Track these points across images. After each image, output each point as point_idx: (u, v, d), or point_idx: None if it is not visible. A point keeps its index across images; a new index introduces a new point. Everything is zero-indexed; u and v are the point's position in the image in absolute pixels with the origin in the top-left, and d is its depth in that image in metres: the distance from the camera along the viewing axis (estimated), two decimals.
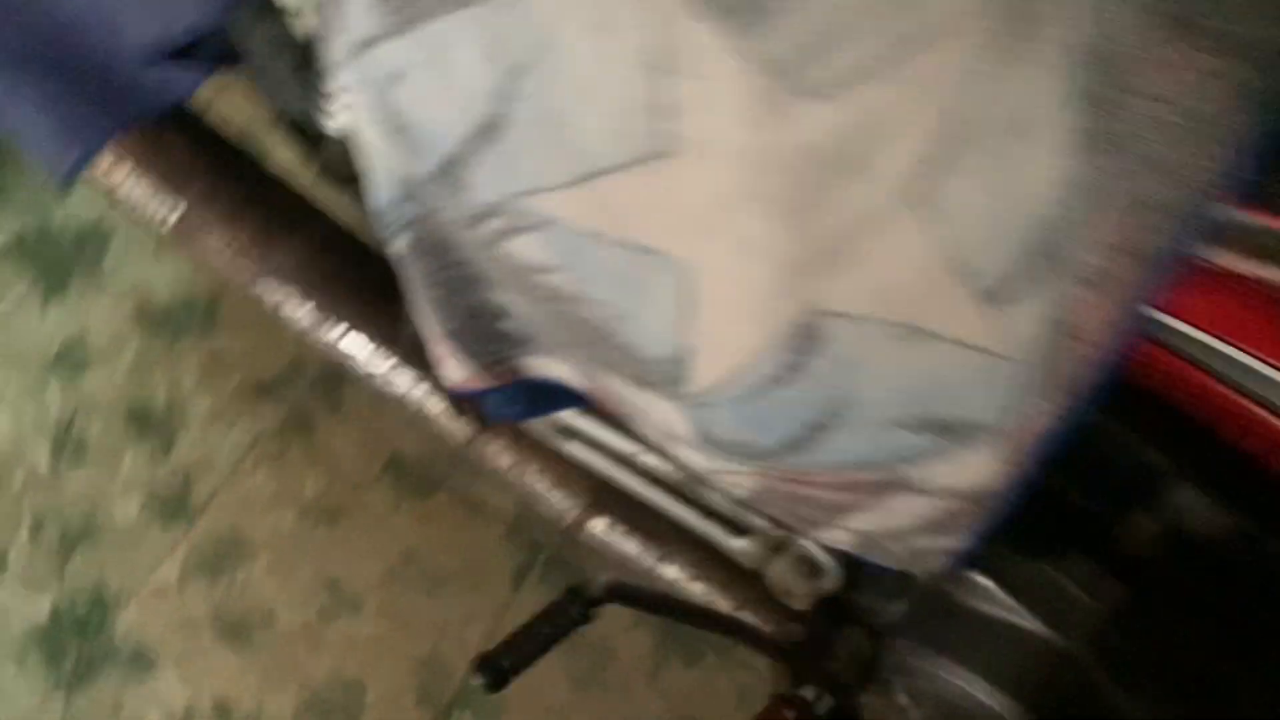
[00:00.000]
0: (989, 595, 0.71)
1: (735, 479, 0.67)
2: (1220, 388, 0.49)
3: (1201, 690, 0.66)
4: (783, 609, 0.85)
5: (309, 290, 0.87)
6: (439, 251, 0.67)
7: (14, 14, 0.80)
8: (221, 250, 0.87)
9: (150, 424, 1.21)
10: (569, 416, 0.92)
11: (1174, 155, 0.43)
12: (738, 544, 0.87)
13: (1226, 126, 0.43)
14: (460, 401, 0.88)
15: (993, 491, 0.55)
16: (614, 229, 0.55)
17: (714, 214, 0.52)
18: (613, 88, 0.50)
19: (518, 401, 0.77)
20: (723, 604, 0.90)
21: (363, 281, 0.88)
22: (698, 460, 0.69)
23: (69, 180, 0.80)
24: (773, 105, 0.46)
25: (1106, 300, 0.46)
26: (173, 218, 0.88)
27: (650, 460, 0.88)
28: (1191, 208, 0.45)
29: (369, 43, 0.55)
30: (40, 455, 1.20)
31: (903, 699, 0.82)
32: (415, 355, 0.86)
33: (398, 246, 0.68)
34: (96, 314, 1.22)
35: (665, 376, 0.61)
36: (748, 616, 0.87)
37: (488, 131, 0.55)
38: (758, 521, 0.84)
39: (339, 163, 0.74)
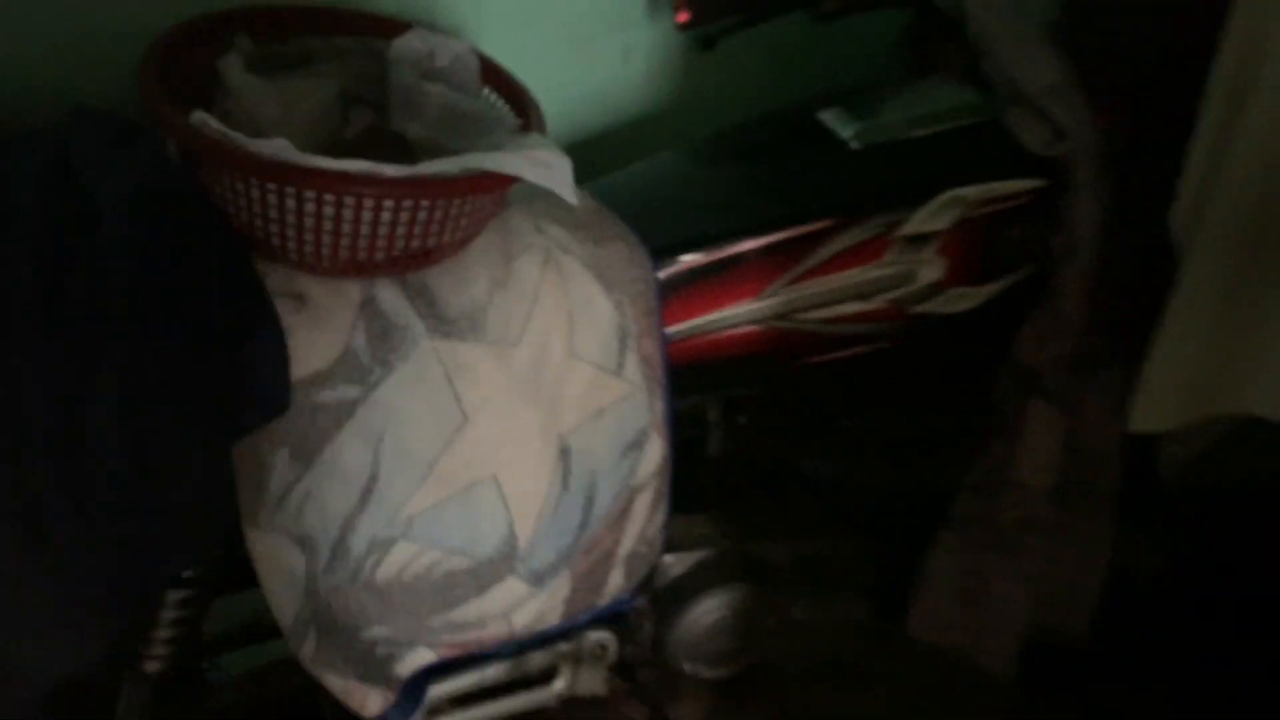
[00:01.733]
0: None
1: (558, 594, 1.11)
2: (707, 338, 1.12)
3: None
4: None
5: None
6: (333, 624, 1.00)
7: None
8: None
9: None
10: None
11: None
12: (557, 686, 1.23)
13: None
14: None
15: (666, 465, 1.11)
16: (449, 489, 0.98)
17: (501, 434, 0.99)
18: (428, 404, 0.95)
19: (409, 699, 1.10)
20: None
21: None
22: (533, 606, 1.11)
23: None
24: (501, 371, 0.97)
25: (651, 340, 1.06)
26: None
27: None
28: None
29: (284, 493, 0.91)
30: None
31: (688, 667, 1.29)
32: None
33: (306, 650, 0.99)
34: None
35: (504, 559, 1.04)
36: None
37: (367, 493, 0.95)
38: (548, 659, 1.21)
39: None
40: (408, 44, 1.01)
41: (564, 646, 1.20)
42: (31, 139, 0.90)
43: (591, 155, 1.11)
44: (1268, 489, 1.34)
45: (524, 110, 0.99)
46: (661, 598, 1.24)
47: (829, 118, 1.13)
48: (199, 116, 0.81)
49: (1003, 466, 1.22)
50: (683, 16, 1.14)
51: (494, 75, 1.03)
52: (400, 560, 0.98)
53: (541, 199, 1.01)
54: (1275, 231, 0.96)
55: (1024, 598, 1.29)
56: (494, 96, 1.03)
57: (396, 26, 1.03)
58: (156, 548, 0.87)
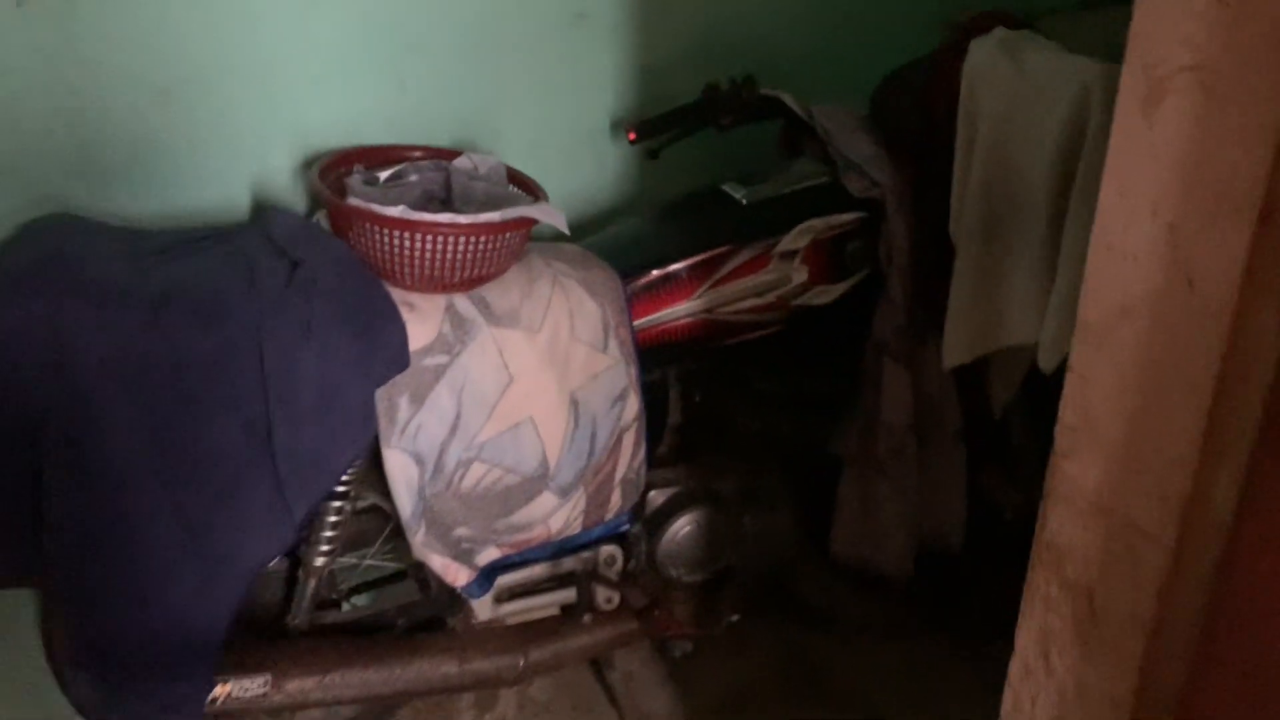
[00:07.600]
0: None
1: (578, 506, 1.68)
2: (661, 327, 1.71)
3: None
4: (620, 611, 1.78)
5: None
6: (435, 520, 1.58)
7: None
8: None
9: None
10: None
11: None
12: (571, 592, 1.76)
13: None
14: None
15: (642, 413, 1.69)
16: (504, 425, 1.58)
17: (534, 389, 1.59)
18: (488, 367, 1.55)
19: (484, 581, 1.66)
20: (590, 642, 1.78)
21: None
22: (562, 514, 1.68)
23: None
24: (531, 348, 1.58)
25: (625, 329, 1.65)
26: None
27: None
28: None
29: (406, 424, 1.50)
30: None
31: (674, 573, 1.82)
32: None
33: (418, 538, 1.56)
34: None
35: (540, 477, 1.62)
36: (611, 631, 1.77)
37: (454, 426, 1.54)
38: (575, 564, 1.75)
39: None
40: (461, 162, 1.66)
41: (585, 554, 1.76)
42: (243, 227, 1.54)
43: (582, 228, 1.74)
44: None
45: (535, 193, 1.63)
46: (649, 522, 1.80)
47: (729, 187, 1.77)
48: (356, 200, 1.44)
49: (873, 412, 1.79)
50: (631, 136, 1.78)
51: (515, 176, 1.67)
52: (475, 475, 1.56)
53: (549, 251, 1.64)
54: (995, 228, 1.57)
55: (905, 511, 1.84)
56: (516, 189, 1.66)
57: (454, 153, 1.68)
58: (329, 456, 1.46)
